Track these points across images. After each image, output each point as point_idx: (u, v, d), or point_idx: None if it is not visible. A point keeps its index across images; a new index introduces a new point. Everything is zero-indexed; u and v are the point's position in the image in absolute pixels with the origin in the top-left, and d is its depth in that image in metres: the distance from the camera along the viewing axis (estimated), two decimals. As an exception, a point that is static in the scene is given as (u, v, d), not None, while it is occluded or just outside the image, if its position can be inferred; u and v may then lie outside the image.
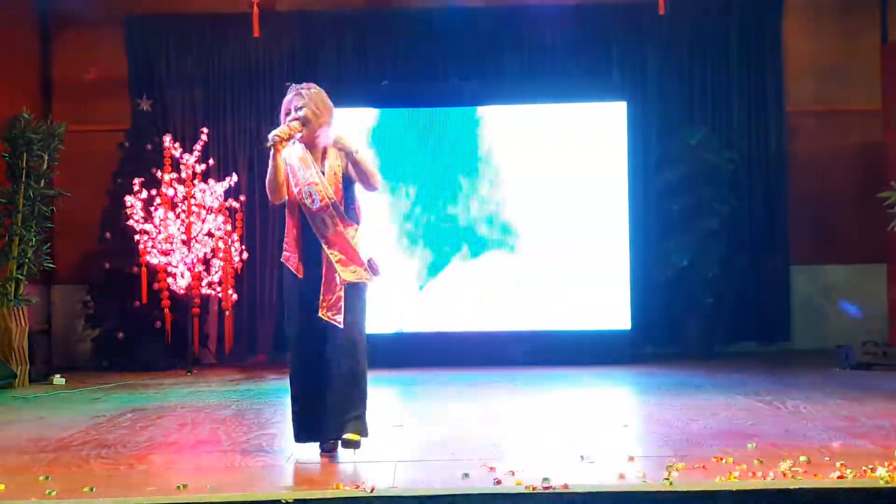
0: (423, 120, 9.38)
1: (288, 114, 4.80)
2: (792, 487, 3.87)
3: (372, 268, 4.87)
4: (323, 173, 4.79)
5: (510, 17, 9.56)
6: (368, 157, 4.91)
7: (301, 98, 4.81)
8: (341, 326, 4.74)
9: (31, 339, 8.30)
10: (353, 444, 4.70)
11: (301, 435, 4.88)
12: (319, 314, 4.75)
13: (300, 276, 4.81)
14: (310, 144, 4.84)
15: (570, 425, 5.60)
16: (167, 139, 8.93)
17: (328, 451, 4.78)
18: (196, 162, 8.95)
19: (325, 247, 4.78)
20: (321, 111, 4.85)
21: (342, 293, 4.75)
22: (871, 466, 4.07)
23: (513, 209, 9.29)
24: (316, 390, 4.80)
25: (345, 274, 4.76)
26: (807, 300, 9.53)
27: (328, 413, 4.74)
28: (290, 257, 4.84)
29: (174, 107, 9.56)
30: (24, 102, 8.74)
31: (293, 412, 4.90)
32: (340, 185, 4.81)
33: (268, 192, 4.83)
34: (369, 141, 9.38)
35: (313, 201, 4.78)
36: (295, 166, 4.82)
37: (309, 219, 4.80)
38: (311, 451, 4.83)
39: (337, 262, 4.77)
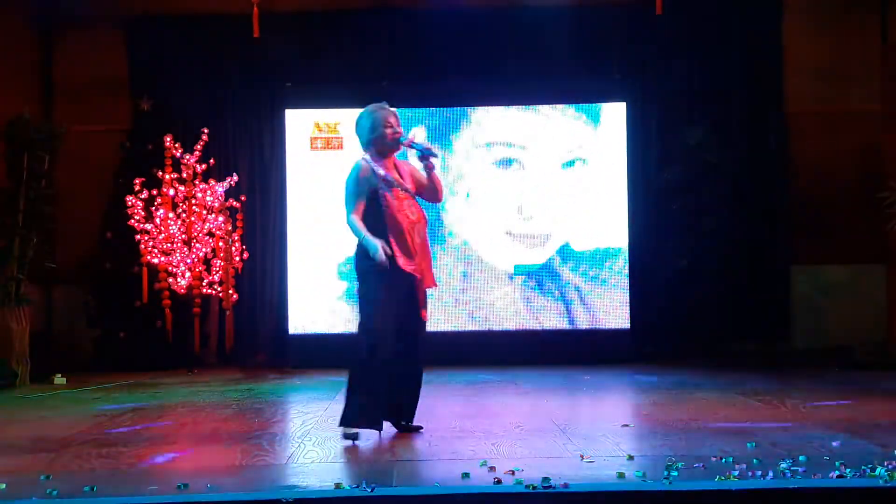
0: (423, 121, 9.38)
1: (387, 125, 5.33)
2: (792, 487, 3.88)
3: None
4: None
5: (510, 17, 9.55)
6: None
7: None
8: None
9: (32, 339, 8.31)
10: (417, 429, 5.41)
11: (371, 421, 5.22)
12: (422, 315, 5.41)
13: (408, 270, 5.24)
14: (390, 159, 5.42)
15: (571, 425, 5.61)
16: (168, 139, 8.94)
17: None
18: (196, 162, 8.97)
19: (421, 250, 5.33)
20: None
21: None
22: (870, 466, 4.08)
23: (513, 209, 9.29)
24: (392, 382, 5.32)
25: (429, 278, 5.40)
26: (807, 300, 9.53)
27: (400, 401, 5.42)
28: (399, 255, 5.23)
29: (175, 107, 9.54)
30: (26, 103, 8.75)
31: (364, 401, 5.19)
32: None
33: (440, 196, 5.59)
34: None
35: (413, 212, 5.40)
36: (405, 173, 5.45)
37: (410, 226, 5.32)
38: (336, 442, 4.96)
39: (426, 265, 5.38)
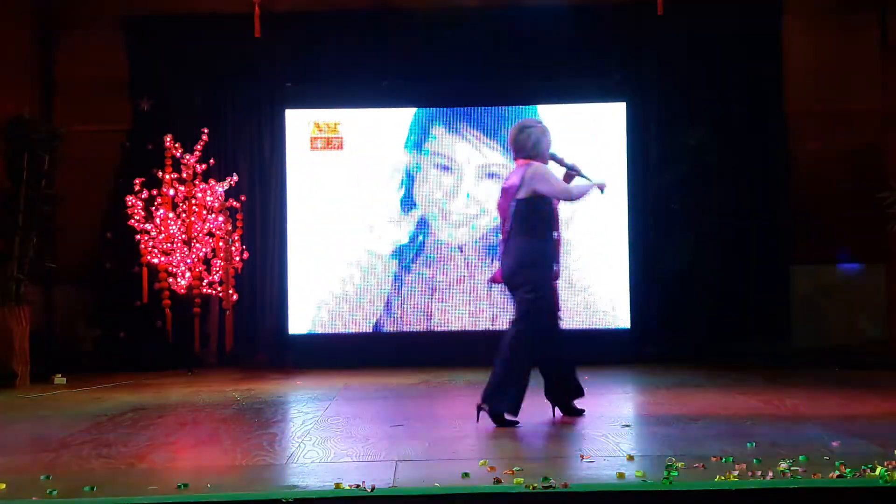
0: (423, 120, 9.38)
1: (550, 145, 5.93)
2: (791, 487, 3.88)
3: None
4: None
5: (510, 17, 9.54)
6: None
7: None
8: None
9: (32, 339, 8.30)
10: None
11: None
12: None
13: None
14: None
15: (571, 425, 5.61)
16: (168, 139, 8.94)
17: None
18: (196, 162, 8.97)
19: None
20: None
21: None
22: (870, 466, 4.08)
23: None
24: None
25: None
26: (807, 300, 9.52)
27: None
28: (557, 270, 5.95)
29: (175, 107, 9.53)
30: (26, 103, 8.75)
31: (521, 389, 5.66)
32: None
33: (577, 197, 5.97)
34: (370, 140, 9.39)
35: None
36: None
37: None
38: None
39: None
